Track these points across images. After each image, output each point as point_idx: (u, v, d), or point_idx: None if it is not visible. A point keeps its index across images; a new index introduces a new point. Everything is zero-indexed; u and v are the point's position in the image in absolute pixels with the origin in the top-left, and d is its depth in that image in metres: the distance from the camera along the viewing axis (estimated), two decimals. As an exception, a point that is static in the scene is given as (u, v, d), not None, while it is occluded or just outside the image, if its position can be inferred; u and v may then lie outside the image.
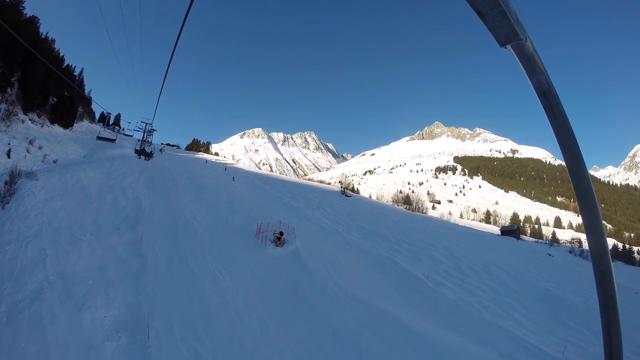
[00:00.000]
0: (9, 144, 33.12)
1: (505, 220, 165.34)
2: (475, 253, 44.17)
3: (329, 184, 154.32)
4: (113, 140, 45.17)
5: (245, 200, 41.09)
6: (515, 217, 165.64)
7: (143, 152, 46.04)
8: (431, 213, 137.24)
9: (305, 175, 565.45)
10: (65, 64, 64.41)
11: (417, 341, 16.18)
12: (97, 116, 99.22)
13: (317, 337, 15.04)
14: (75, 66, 74.01)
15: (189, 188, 38.56)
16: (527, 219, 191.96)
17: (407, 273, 28.07)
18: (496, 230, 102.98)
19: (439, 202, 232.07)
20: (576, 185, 1.58)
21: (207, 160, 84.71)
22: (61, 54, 65.07)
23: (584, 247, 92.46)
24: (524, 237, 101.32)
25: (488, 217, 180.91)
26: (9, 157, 31.43)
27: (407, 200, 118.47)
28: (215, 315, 14.91)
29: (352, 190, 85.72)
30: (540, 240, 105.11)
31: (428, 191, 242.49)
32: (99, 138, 42.07)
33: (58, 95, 53.98)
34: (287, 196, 55.35)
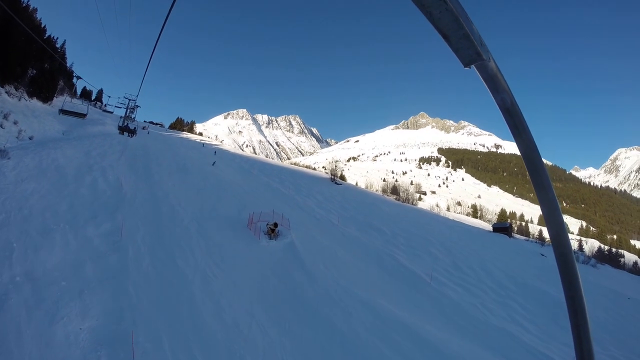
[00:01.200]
0: None
1: (492, 216, 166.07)
2: (470, 250, 43.05)
3: (315, 169, 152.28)
4: (83, 116, 33.67)
5: (233, 185, 38.72)
6: (503, 213, 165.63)
7: (126, 129, 42.71)
8: (419, 204, 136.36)
9: (289, 158, 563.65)
10: (46, 35, 60.76)
11: (429, 350, 14.55)
12: (79, 92, 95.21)
13: (325, 348, 13.18)
14: (57, 38, 69.84)
15: (174, 170, 36.11)
16: (512, 215, 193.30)
17: (408, 271, 26.51)
18: (484, 225, 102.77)
19: (425, 194, 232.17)
20: (541, 199, 1.54)
21: (204, 144, 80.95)
22: (43, 24, 61.38)
23: (574, 249, 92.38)
24: (514, 234, 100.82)
25: (475, 212, 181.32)
26: (-24, 133, 28.46)
27: (394, 190, 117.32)
28: (210, 325, 12.81)
29: (341, 177, 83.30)
30: (530, 239, 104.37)
31: (412, 181, 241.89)
32: (63, 112, 31.83)
33: (38, 68, 50.80)
34: (276, 181, 53.15)
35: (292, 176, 65.13)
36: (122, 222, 19.07)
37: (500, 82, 1.59)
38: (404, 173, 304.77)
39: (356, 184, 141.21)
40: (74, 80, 66.97)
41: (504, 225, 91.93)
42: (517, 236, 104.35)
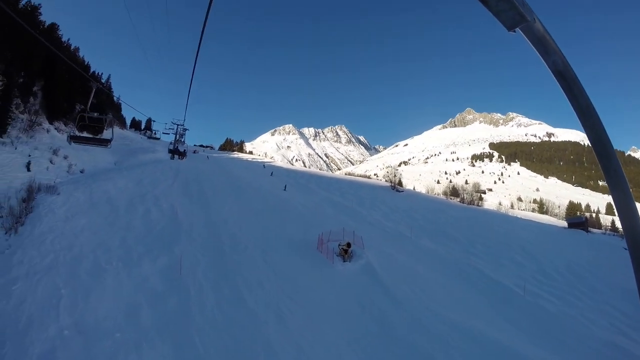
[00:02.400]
0: (30, 155, 30.13)
1: (558, 210, 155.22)
2: (553, 252, 38.84)
3: (368, 177, 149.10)
4: (106, 143, 19.14)
5: (294, 202, 36.75)
6: (573, 206, 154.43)
7: (177, 152, 45.77)
8: (484, 205, 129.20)
9: (339, 169, 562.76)
10: (91, 71, 63.14)
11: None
12: (129, 122, 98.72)
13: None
14: (101, 73, 73.18)
15: (229, 193, 34.67)
16: (577, 206, 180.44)
17: (495, 283, 23.74)
18: (554, 221, 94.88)
19: (484, 192, 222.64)
20: (604, 166, 1.56)
21: (264, 165, 79.71)
22: (86, 62, 63.86)
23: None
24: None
25: (541, 207, 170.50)
26: (28, 170, 28.35)
27: (455, 192, 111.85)
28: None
29: (399, 183, 79.79)
30: (607, 232, 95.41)
31: (466, 180, 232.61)
32: (73, 139, 18.40)
33: (85, 103, 51.64)
34: (336, 195, 50.79)
35: (351, 187, 62.55)
36: (180, 256, 17.30)
37: (549, 44, 1.62)
38: (457, 173, 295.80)
39: (413, 188, 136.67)
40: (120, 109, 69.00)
41: (579, 219, 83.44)
42: (593, 230, 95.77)
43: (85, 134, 17.29)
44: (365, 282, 18.79)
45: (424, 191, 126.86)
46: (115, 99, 76.76)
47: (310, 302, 15.64)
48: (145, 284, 14.81)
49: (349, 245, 21.98)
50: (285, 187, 45.17)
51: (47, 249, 17.15)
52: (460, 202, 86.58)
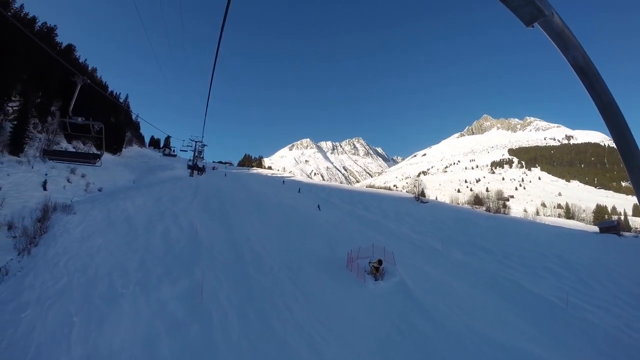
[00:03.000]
0: (46, 174, 29.77)
1: (587, 214, 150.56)
2: (588, 259, 36.89)
3: (389, 189, 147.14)
4: (93, 161, 15.09)
5: (317, 218, 35.61)
6: (600, 209, 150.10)
7: (196, 167, 47.65)
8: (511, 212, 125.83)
9: (358, 181, 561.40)
10: (109, 91, 64.09)
11: None
12: (148, 140, 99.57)
13: None
14: (119, 93, 74.30)
15: (250, 209, 33.64)
16: (603, 209, 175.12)
17: (535, 297, 22.13)
18: (582, 226, 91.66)
19: (508, 199, 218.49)
20: (628, 165, 1.53)
21: (284, 181, 78.46)
22: (103, 81, 64.77)
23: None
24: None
25: (568, 212, 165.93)
26: (45, 189, 27.91)
27: (478, 201, 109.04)
28: None
29: (423, 194, 77.81)
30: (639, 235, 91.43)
31: (487, 188, 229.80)
32: (46, 153, 18.80)
33: (103, 122, 52.08)
34: (359, 208, 49.45)
35: (374, 200, 61.07)
36: (201, 278, 16.22)
37: (569, 39, 1.62)
38: (478, 181, 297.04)
39: (435, 198, 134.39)
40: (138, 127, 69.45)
41: (611, 223, 79.76)
42: (623, 233, 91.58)
43: (69, 148, 14.69)
44: (400, 302, 17.45)
45: (447, 201, 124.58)
46: (133, 117, 78.09)
47: (344, 327, 14.35)
48: (164, 310, 13.73)
49: (380, 262, 20.66)
50: (319, 206, 43.73)
51: (61, 272, 16.30)
52: (486, 210, 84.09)
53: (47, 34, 44.33)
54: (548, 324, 18.32)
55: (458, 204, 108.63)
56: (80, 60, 57.16)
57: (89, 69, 62.40)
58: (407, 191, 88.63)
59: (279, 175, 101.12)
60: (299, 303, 15.67)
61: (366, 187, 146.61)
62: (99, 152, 11.61)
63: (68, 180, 31.60)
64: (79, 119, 9.76)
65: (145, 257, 18.94)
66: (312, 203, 46.55)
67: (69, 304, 13.49)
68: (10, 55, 31.32)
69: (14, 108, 30.15)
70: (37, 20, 43.11)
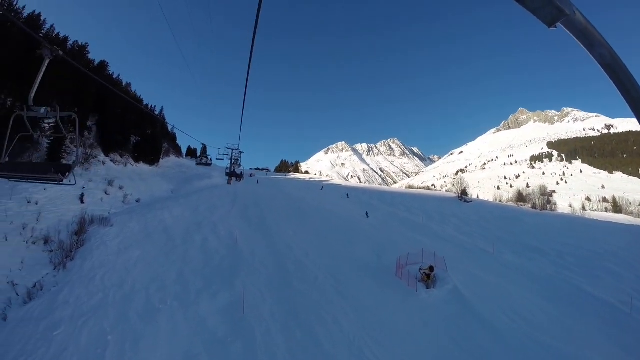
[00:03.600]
0: (83, 187, 29.74)
1: (635, 207, 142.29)
2: None
3: (429, 188, 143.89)
4: (55, 177, 6.31)
5: (360, 222, 34.30)
6: None
7: (233, 174, 48.75)
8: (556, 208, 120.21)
9: (395, 182, 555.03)
10: (144, 104, 65.79)
11: None
12: (185, 151, 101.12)
13: None
14: (154, 106, 75.84)
15: (291, 215, 32.71)
16: None
17: (596, 300, 20.38)
18: (632, 219, 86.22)
19: (551, 195, 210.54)
20: None
21: (323, 187, 76.81)
22: (138, 95, 66.67)
23: None
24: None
25: (616, 206, 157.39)
26: (82, 202, 27.86)
27: (521, 197, 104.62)
28: None
29: (465, 193, 74.54)
30: None
31: (527, 184, 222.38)
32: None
33: (140, 134, 53.27)
34: (402, 210, 47.62)
35: (415, 201, 58.69)
36: (242, 291, 15.24)
37: (594, 36, 1.56)
38: (517, 177, 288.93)
39: (477, 196, 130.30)
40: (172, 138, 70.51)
41: None
42: None
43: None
44: (456, 312, 15.94)
45: (489, 199, 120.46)
46: (169, 128, 79.56)
47: (398, 342, 13.03)
48: (203, 327, 12.83)
49: (431, 268, 19.18)
50: (367, 213, 42.31)
51: (96, 287, 15.78)
52: (531, 207, 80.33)
53: (79, 51, 45.36)
54: (615, 332, 16.38)
55: (501, 201, 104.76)
56: (114, 76, 58.33)
57: (123, 84, 63.85)
58: (446, 190, 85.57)
59: (317, 179, 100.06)
60: (347, 316, 14.43)
61: (406, 187, 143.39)
62: (70, 163, 6.80)
63: (106, 193, 31.65)
64: (42, 109, 5.62)
65: (183, 269, 18.25)
66: (353, 207, 45.25)
67: (104, 321, 12.84)
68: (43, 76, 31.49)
69: (50, 124, 30.47)
70: (68, 40, 44.18)
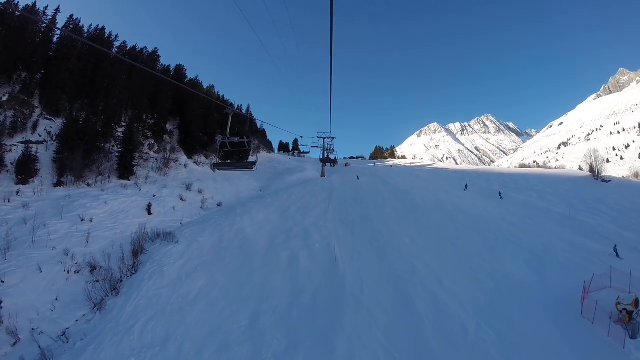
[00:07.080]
0: (154, 195, 26.20)
1: None
2: None
3: (538, 166, 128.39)
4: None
5: (490, 217, 26.00)
6: None
7: (328, 160, 49.97)
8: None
9: (493, 161, 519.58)
10: (229, 103, 67.00)
11: None
12: (276, 146, 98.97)
13: None
14: (240, 104, 78.85)
15: (402, 213, 25.55)
16: None
17: None
18: None
19: None
20: None
21: (425, 170, 68.05)
22: (222, 95, 69.80)
23: None
24: None
25: None
26: (149, 213, 23.61)
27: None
28: None
29: (591, 169, 60.53)
30: None
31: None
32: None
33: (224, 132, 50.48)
34: (534, 197, 37.33)
35: (542, 183, 46.39)
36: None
37: None
38: (627, 146, 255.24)
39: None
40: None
41: None
42: None
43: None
44: None
45: (635, 175, 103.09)
46: (258, 125, 79.56)
47: None
48: None
49: (636, 303, 11.37)
50: (466, 186, 33.76)
51: (131, 345, 10.81)
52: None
53: (150, 57, 45.72)
54: None
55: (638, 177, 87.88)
56: (191, 78, 58.37)
57: (205, 86, 64.68)
58: (556, 167, 72.25)
59: (417, 163, 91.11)
60: None
61: (519, 167, 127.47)
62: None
63: (181, 199, 27.39)
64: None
65: (259, 312, 12.44)
66: (473, 195, 36.56)
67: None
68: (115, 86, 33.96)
69: (123, 133, 29.36)
70: (144, 50, 45.51)
